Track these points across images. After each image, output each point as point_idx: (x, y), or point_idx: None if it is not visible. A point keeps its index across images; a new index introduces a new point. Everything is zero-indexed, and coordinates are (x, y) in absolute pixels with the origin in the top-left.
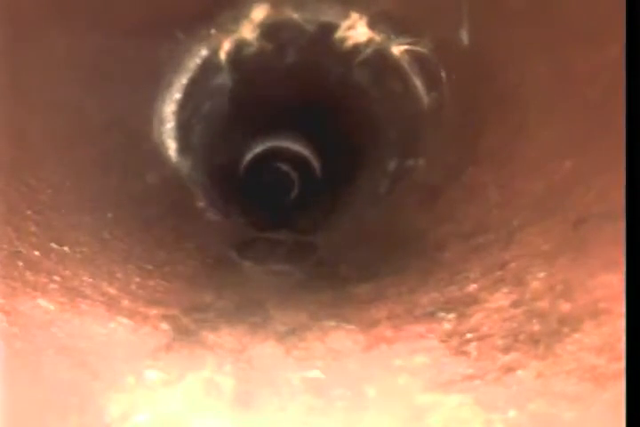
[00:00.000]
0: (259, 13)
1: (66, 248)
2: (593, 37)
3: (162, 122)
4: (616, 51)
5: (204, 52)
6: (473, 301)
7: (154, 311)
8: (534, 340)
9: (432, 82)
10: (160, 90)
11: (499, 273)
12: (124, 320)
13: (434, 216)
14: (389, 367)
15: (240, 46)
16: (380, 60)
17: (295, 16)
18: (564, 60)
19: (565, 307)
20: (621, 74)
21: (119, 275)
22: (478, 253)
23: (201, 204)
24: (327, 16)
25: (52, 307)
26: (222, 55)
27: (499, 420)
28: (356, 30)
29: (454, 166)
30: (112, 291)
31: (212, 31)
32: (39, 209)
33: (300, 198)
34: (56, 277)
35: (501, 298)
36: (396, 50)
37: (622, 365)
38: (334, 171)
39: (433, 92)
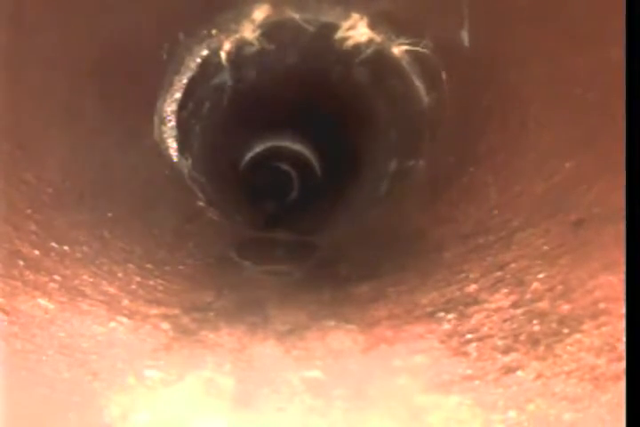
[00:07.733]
0: (259, 13)
1: (66, 247)
2: (593, 38)
3: (162, 121)
4: (616, 51)
5: (204, 52)
6: (473, 301)
7: (154, 311)
8: (534, 340)
9: (432, 82)
10: (161, 89)
11: (499, 274)
12: (125, 320)
13: (434, 216)
14: (389, 368)
15: (241, 46)
16: (380, 61)
17: (296, 16)
18: (564, 61)
19: (565, 308)
20: (621, 74)
21: (119, 274)
22: (478, 253)
23: (201, 204)
24: (328, 16)
25: (51, 306)
26: (223, 55)
27: (498, 420)
28: (357, 31)
29: (454, 167)
30: (112, 290)
31: (213, 31)
32: (39, 208)
33: (300, 198)
34: (56, 277)
35: (501, 299)
36: (397, 50)
37: (622, 366)
38: (334, 171)
39: (433, 93)
